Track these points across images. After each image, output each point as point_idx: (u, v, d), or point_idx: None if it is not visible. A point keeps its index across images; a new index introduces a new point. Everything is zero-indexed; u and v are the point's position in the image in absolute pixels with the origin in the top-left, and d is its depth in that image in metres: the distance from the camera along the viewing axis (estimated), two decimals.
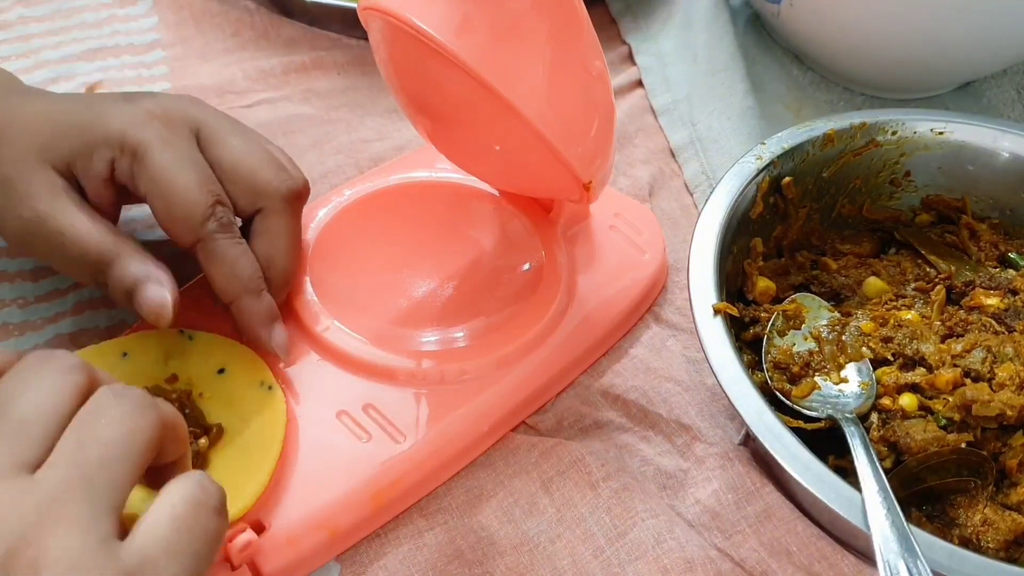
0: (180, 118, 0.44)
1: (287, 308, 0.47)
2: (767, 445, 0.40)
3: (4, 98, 0.45)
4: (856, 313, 0.49)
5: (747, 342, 0.48)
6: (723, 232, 0.48)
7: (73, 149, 0.42)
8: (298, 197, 0.46)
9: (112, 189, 0.44)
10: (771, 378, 0.46)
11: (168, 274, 0.42)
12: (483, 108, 0.42)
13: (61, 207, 0.41)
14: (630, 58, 0.69)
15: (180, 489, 0.30)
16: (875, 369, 0.46)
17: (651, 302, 0.52)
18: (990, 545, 0.41)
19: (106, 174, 0.43)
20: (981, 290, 0.50)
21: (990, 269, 0.52)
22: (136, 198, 0.44)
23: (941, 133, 0.54)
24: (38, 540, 0.27)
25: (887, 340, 0.47)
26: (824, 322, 0.49)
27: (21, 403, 0.30)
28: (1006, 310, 0.48)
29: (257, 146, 0.45)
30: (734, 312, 0.46)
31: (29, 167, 0.42)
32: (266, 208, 0.44)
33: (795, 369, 0.47)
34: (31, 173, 0.42)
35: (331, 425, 0.43)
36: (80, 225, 0.41)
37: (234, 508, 0.37)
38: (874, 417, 0.45)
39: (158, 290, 0.41)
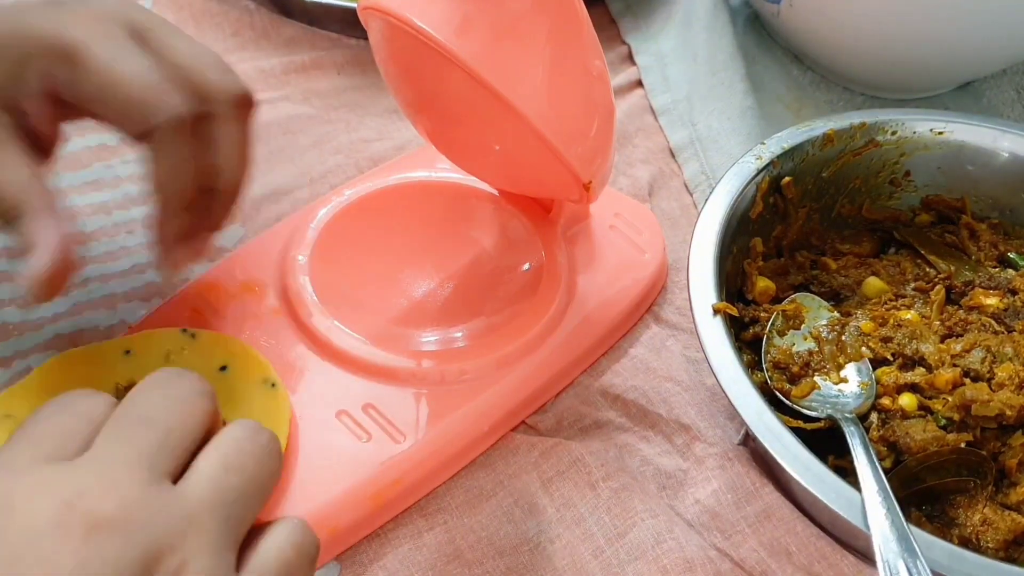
0: (116, 17, 0.40)
1: (286, 307, 0.47)
2: (767, 445, 0.40)
3: None
4: (856, 313, 0.49)
5: (747, 342, 0.48)
6: (723, 232, 0.48)
7: (1, 71, 0.38)
8: (248, 103, 0.41)
9: (51, 107, 0.39)
10: (771, 378, 0.46)
11: (64, 241, 0.37)
12: (483, 108, 0.42)
13: None
14: (630, 58, 0.69)
15: (288, 534, 0.31)
16: (875, 369, 0.46)
17: (651, 302, 0.52)
18: (989, 545, 0.41)
19: (42, 88, 0.38)
20: (981, 290, 0.50)
21: (990, 269, 0.52)
22: (80, 112, 0.40)
23: (941, 133, 0.54)
24: (183, 550, 0.28)
25: (887, 340, 0.47)
26: (824, 322, 0.49)
27: (166, 415, 0.30)
28: (1005, 310, 0.49)
29: (202, 48, 0.41)
30: (734, 312, 0.46)
31: None
32: (215, 113, 0.40)
33: (795, 369, 0.47)
34: None
35: (331, 425, 0.43)
36: None
37: None
38: (874, 417, 0.45)
39: (40, 262, 0.36)
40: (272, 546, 0.30)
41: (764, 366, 0.47)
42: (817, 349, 0.48)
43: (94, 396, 0.32)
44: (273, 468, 0.31)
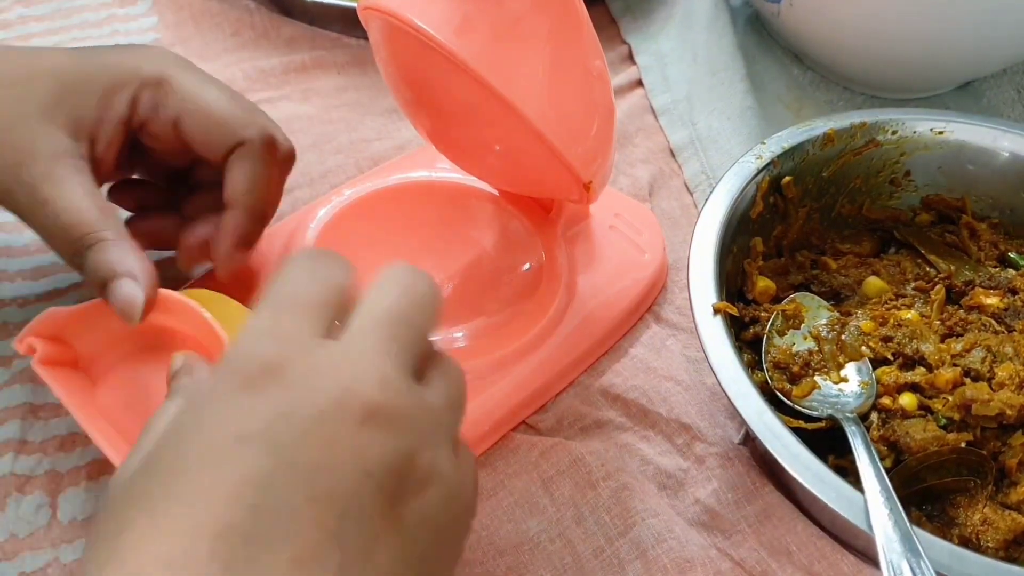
0: (177, 59, 0.45)
1: None
2: (767, 445, 0.40)
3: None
4: (856, 313, 0.49)
5: (747, 342, 0.48)
6: (723, 232, 0.48)
7: (87, 102, 0.42)
8: (288, 156, 0.46)
9: (124, 136, 0.43)
10: (771, 378, 0.46)
11: (148, 269, 0.40)
12: (483, 108, 0.42)
13: (59, 174, 0.40)
14: (630, 58, 0.69)
15: (453, 373, 0.32)
16: (875, 369, 0.46)
17: (651, 302, 0.52)
18: (990, 544, 0.41)
19: (126, 115, 0.42)
20: (981, 290, 0.50)
21: (990, 269, 0.52)
22: (152, 138, 0.44)
23: (941, 133, 0.54)
24: (433, 446, 0.29)
25: (887, 340, 0.47)
26: (824, 322, 0.49)
27: (413, 313, 0.32)
28: (1006, 310, 0.48)
29: (235, 94, 0.46)
30: (734, 312, 0.46)
31: (31, 129, 0.41)
32: (246, 150, 0.44)
33: (795, 369, 0.47)
34: (33, 135, 0.41)
35: None
36: (68, 196, 0.40)
37: None
38: (874, 417, 0.45)
39: (131, 288, 0.39)
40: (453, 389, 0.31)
41: (764, 366, 0.47)
42: (817, 349, 0.48)
43: (331, 259, 0.33)
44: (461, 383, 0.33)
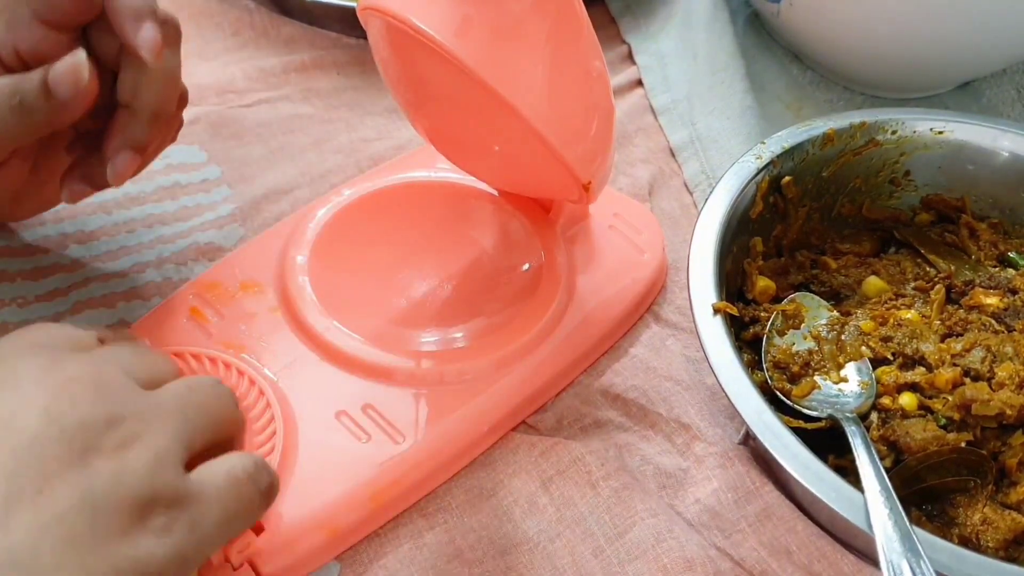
0: None
1: (285, 307, 0.47)
2: (767, 444, 0.40)
3: None
4: (856, 312, 0.49)
5: (747, 342, 0.48)
6: (723, 231, 0.48)
7: None
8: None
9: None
10: (771, 378, 0.46)
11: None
12: (482, 108, 0.42)
13: None
14: (630, 57, 0.69)
15: (242, 460, 0.34)
16: (875, 368, 0.46)
17: (650, 302, 0.52)
18: (990, 544, 0.41)
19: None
20: (981, 289, 0.50)
21: (990, 268, 0.52)
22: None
23: (941, 133, 0.54)
24: (142, 425, 0.32)
25: (887, 339, 0.47)
26: (824, 321, 0.49)
27: (151, 357, 0.37)
28: (1006, 309, 0.48)
29: None
30: (734, 311, 0.46)
31: None
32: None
33: (795, 369, 0.47)
34: None
35: (330, 425, 0.43)
36: None
37: None
38: (874, 416, 0.45)
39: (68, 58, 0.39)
40: (225, 465, 0.34)
41: (764, 366, 0.47)
42: (817, 349, 0.48)
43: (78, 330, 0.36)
44: (230, 409, 0.36)
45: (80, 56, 0.39)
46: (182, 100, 0.46)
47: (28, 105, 0.39)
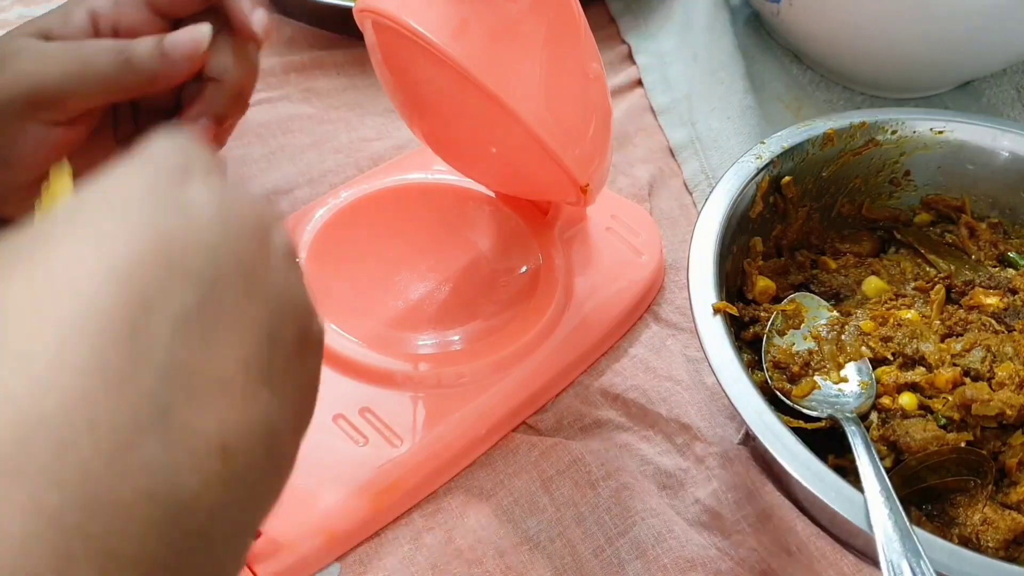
0: None
1: None
2: (767, 445, 0.40)
3: None
4: (856, 312, 0.49)
5: (747, 342, 0.48)
6: (723, 232, 0.48)
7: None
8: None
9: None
10: (771, 378, 0.46)
11: None
12: (480, 111, 0.42)
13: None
14: (630, 57, 0.69)
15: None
16: (875, 368, 0.46)
17: (648, 304, 0.52)
18: (990, 544, 0.41)
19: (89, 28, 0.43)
20: (980, 289, 0.49)
21: (989, 268, 0.52)
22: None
23: (941, 132, 0.54)
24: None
25: (887, 339, 0.47)
26: (823, 322, 0.49)
27: None
28: (1005, 309, 0.48)
29: None
30: (734, 311, 0.46)
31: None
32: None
33: (795, 369, 0.46)
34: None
35: (328, 429, 0.43)
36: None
37: None
38: (874, 416, 0.45)
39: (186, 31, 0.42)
40: None
41: (764, 366, 0.47)
42: (817, 349, 0.47)
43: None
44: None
45: (205, 28, 0.42)
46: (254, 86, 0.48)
47: (135, 63, 0.42)
